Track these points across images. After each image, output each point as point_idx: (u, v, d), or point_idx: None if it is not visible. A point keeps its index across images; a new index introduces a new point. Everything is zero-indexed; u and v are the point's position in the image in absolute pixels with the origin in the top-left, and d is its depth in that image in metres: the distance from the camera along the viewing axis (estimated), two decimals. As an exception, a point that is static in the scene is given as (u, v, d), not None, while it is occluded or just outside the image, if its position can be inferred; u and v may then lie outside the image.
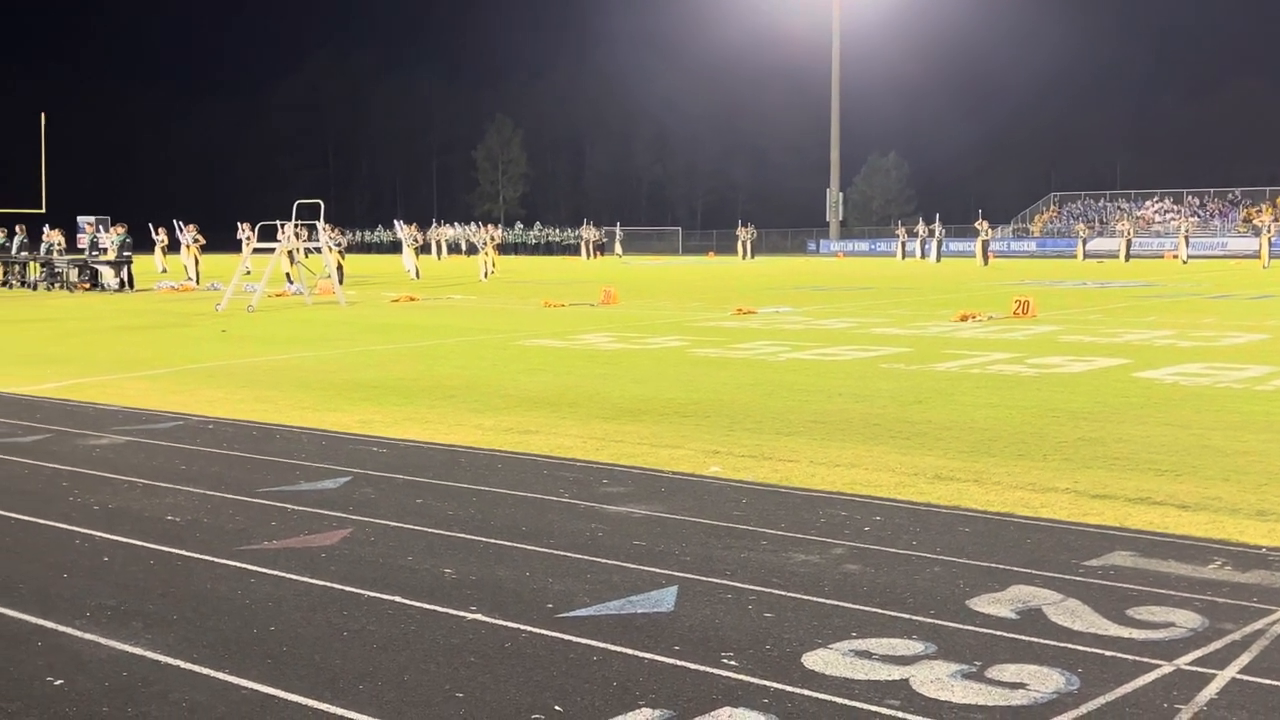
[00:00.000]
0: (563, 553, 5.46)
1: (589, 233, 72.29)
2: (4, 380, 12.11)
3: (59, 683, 3.92)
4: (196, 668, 4.03)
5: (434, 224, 73.76)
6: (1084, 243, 63.53)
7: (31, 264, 34.25)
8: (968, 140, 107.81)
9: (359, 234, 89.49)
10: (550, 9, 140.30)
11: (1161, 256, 62.08)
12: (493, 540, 5.68)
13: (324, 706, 3.70)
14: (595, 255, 69.88)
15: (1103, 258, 60.28)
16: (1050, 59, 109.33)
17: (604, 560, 5.33)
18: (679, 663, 4.06)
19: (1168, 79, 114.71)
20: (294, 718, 3.63)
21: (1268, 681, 3.89)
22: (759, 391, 11.03)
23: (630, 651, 4.17)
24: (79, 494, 6.75)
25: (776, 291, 29.78)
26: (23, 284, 33.88)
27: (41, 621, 4.52)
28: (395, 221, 52.70)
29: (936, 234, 60.72)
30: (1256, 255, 51.12)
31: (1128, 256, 56.89)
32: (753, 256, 68.19)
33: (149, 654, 4.17)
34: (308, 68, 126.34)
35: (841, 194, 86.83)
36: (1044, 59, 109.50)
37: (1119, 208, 79.99)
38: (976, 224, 55.62)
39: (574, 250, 74.97)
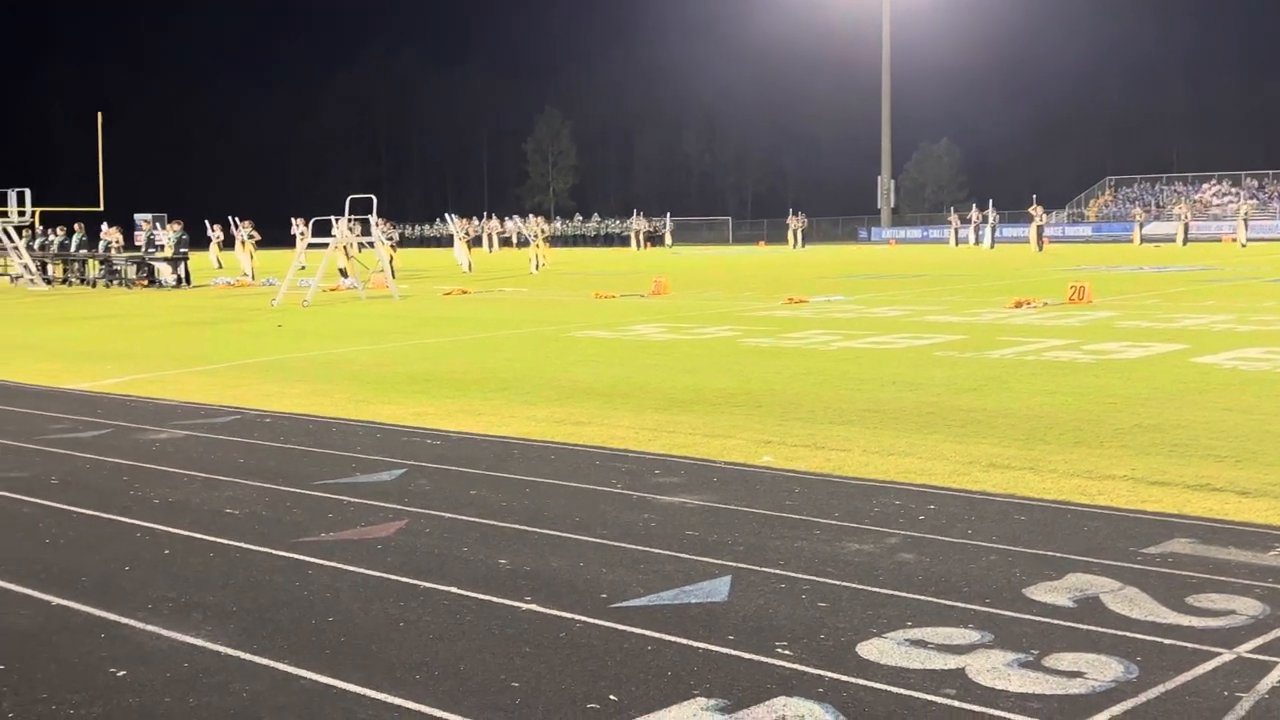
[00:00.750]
0: (616, 543, 5.47)
1: (639, 223, 72.30)
2: (66, 376, 12.29)
3: (121, 674, 3.97)
4: (256, 658, 4.08)
5: (485, 217, 74.12)
6: (1140, 227, 62.82)
7: (90, 261, 34.66)
8: (1021, 124, 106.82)
9: (411, 228, 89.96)
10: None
11: (1220, 240, 61.27)
12: (546, 531, 5.70)
13: (381, 696, 3.73)
14: (646, 246, 69.89)
15: (1160, 242, 59.62)
16: (1104, 40, 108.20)
17: (657, 550, 5.34)
18: (733, 652, 4.06)
19: (1225, 59, 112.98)
20: (352, 707, 3.66)
21: (1331, 669, 3.84)
22: (811, 381, 11.00)
23: (684, 641, 4.17)
24: (140, 488, 6.83)
25: (828, 280, 29.66)
26: (82, 281, 34.32)
27: (104, 614, 4.58)
28: (446, 215, 52.97)
29: (990, 220, 60.31)
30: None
31: (1185, 240, 56.24)
32: (804, 245, 67.95)
33: (209, 645, 4.21)
34: (358, 64, 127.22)
35: (893, 181, 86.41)
36: (1097, 40, 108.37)
37: (1176, 191, 79.03)
38: (1031, 209, 55.08)
39: (624, 241, 75.00)
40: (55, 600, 4.75)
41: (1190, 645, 4.06)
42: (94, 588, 4.91)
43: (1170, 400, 9.39)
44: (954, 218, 67.27)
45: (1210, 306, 18.78)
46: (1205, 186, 79.56)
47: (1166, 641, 4.10)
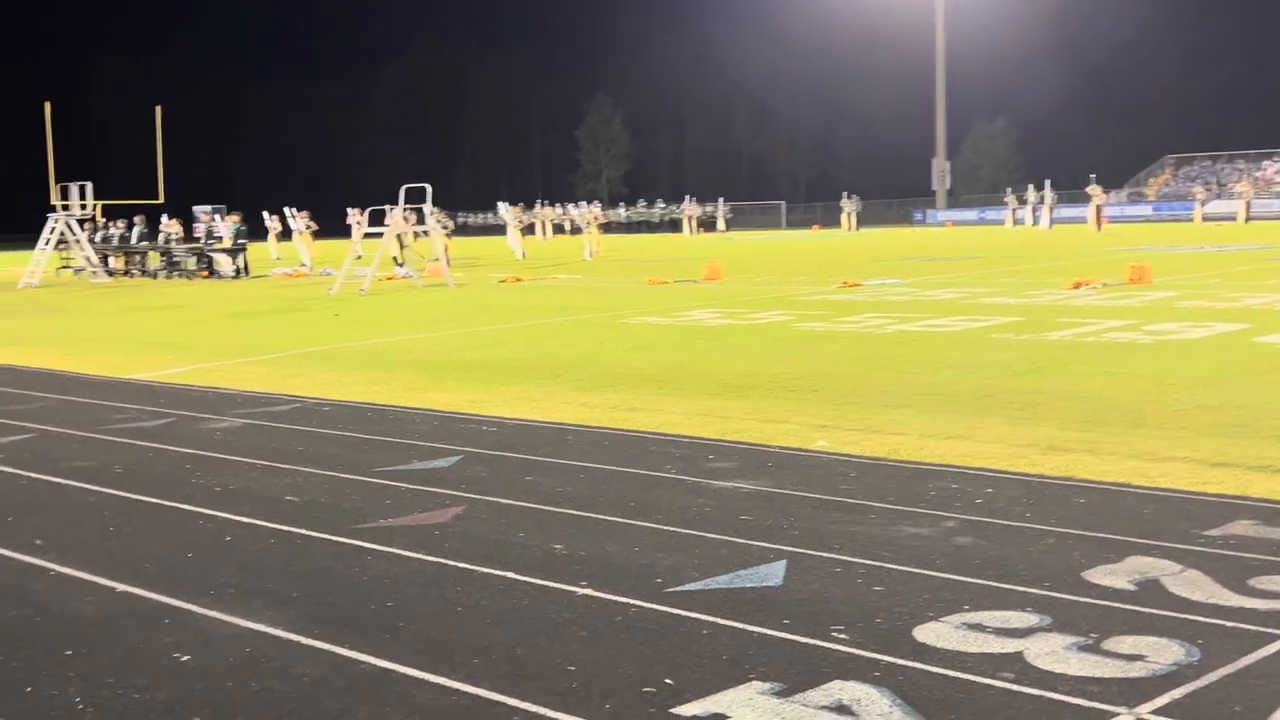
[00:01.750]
0: (670, 528, 5.48)
1: (692, 209, 72.17)
2: (128, 366, 12.46)
3: (186, 659, 4.02)
4: (317, 643, 4.12)
5: (538, 204, 74.21)
6: (1201, 205, 61.93)
7: (151, 253, 35.06)
8: (1078, 102, 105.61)
9: (465, 217, 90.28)
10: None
11: (1283, 218, 60.25)
12: (601, 516, 5.72)
13: (440, 680, 3.76)
14: (697, 232, 69.77)
15: (1221, 220, 58.71)
16: (1161, 15, 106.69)
17: (712, 535, 5.34)
18: (789, 636, 4.06)
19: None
20: (411, 691, 3.69)
21: (1397, 652, 3.79)
22: (866, 365, 10.96)
23: (739, 625, 4.18)
24: (201, 476, 6.91)
25: (882, 263, 29.49)
26: (143, 273, 34.74)
27: (168, 600, 4.64)
28: (500, 203, 53.15)
29: (1047, 200, 59.65)
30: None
31: (1248, 219, 55.42)
32: (857, 229, 67.59)
33: (271, 630, 4.26)
34: (410, 54, 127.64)
35: (948, 162, 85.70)
36: (1155, 16, 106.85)
37: (1237, 169, 77.77)
38: (1089, 189, 54.47)
39: (677, 227, 74.90)
40: (120, 586, 4.83)
41: (1253, 628, 4.01)
42: (157, 574, 4.98)
43: (1232, 381, 9.27)
44: (1011, 199, 66.62)
45: (1273, 285, 18.50)
46: (1267, 164, 78.24)
47: (1228, 624, 4.05)
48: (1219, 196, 68.12)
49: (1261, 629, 4.00)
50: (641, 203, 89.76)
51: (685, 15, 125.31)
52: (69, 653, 4.11)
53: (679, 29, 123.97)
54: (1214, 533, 5.14)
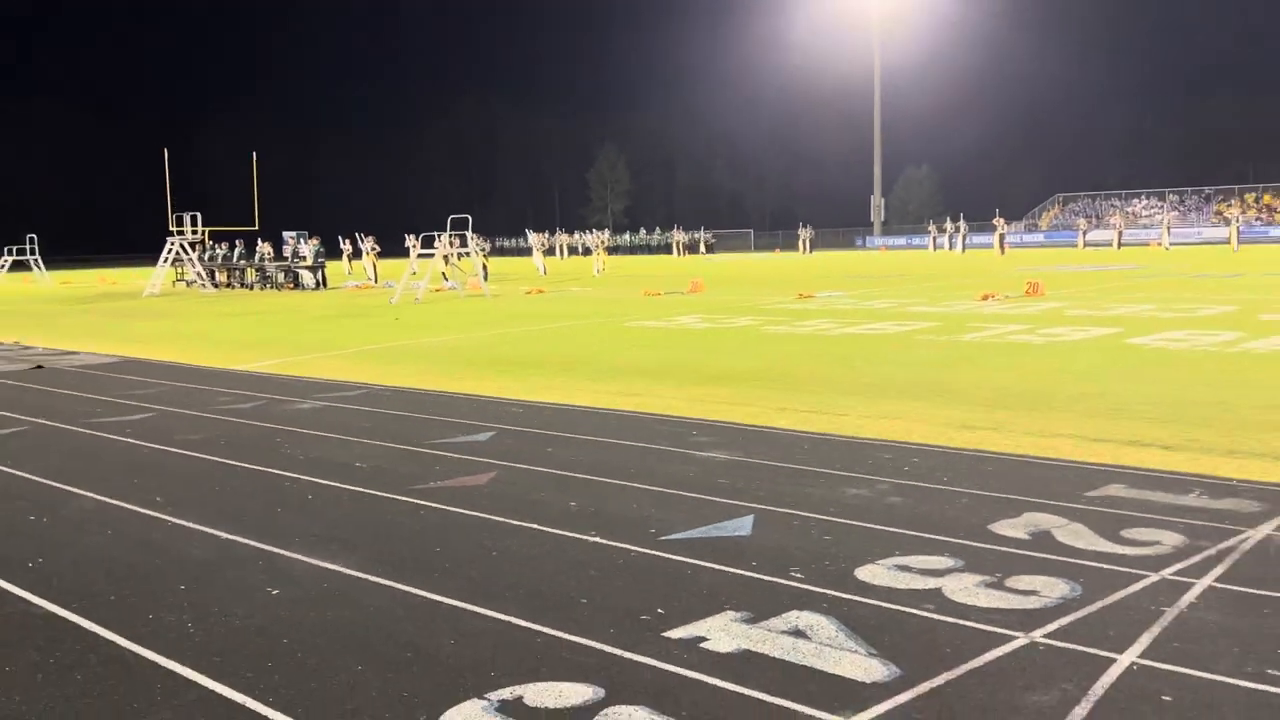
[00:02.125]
0: (662, 489, 5.48)
1: (680, 235, 72.07)
2: (229, 359, 12.46)
3: (275, 592, 4.03)
4: (380, 580, 4.13)
5: (557, 231, 74.09)
6: (1084, 234, 61.91)
7: (248, 269, 35.07)
8: (986, 151, 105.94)
9: (499, 241, 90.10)
10: (647, 56, 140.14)
11: (1148, 245, 60.20)
12: (607, 479, 5.73)
13: (478, 609, 3.77)
14: (684, 253, 69.67)
15: (1099, 246, 58.68)
16: (1052, 79, 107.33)
17: (695, 495, 5.35)
18: (756, 575, 4.07)
19: (1152, 95, 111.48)
20: (456, 618, 3.70)
21: (1237, 588, 3.80)
22: (817, 360, 10.96)
23: (717, 566, 4.19)
24: (289, 447, 6.92)
25: (831, 279, 29.49)
26: (241, 285, 34.71)
27: (262, 545, 4.65)
28: (526, 230, 53.10)
29: (961, 230, 59.65)
30: (1227, 241, 49.48)
31: (1120, 245, 55.39)
32: (811, 251, 67.46)
33: (343, 570, 4.27)
34: (455, 110, 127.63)
35: (883, 199, 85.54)
36: (1047, 80, 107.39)
37: (1112, 205, 77.73)
38: (994, 220, 54.44)
39: (668, 250, 74.78)
40: (223, 535, 4.83)
41: (1124, 569, 4.03)
42: (253, 525, 4.99)
43: (1108, 374, 9.28)
44: (932, 228, 66.52)
45: (1140, 298, 18.51)
46: (1136, 201, 78.21)
47: (1105, 566, 4.07)
48: (1097, 227, 68.07)
49: (1130, 570, 4.02)
50: (641, 230, 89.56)
51: (675, 81, 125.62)
52: (182, 587, 4.12)
53: (670, 92, 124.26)
54: (1093, 494, 5.15)
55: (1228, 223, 55.85)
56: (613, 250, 62.71)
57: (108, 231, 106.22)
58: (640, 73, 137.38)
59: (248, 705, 3.06)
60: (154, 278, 33.45)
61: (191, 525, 5.01)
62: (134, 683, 3.23)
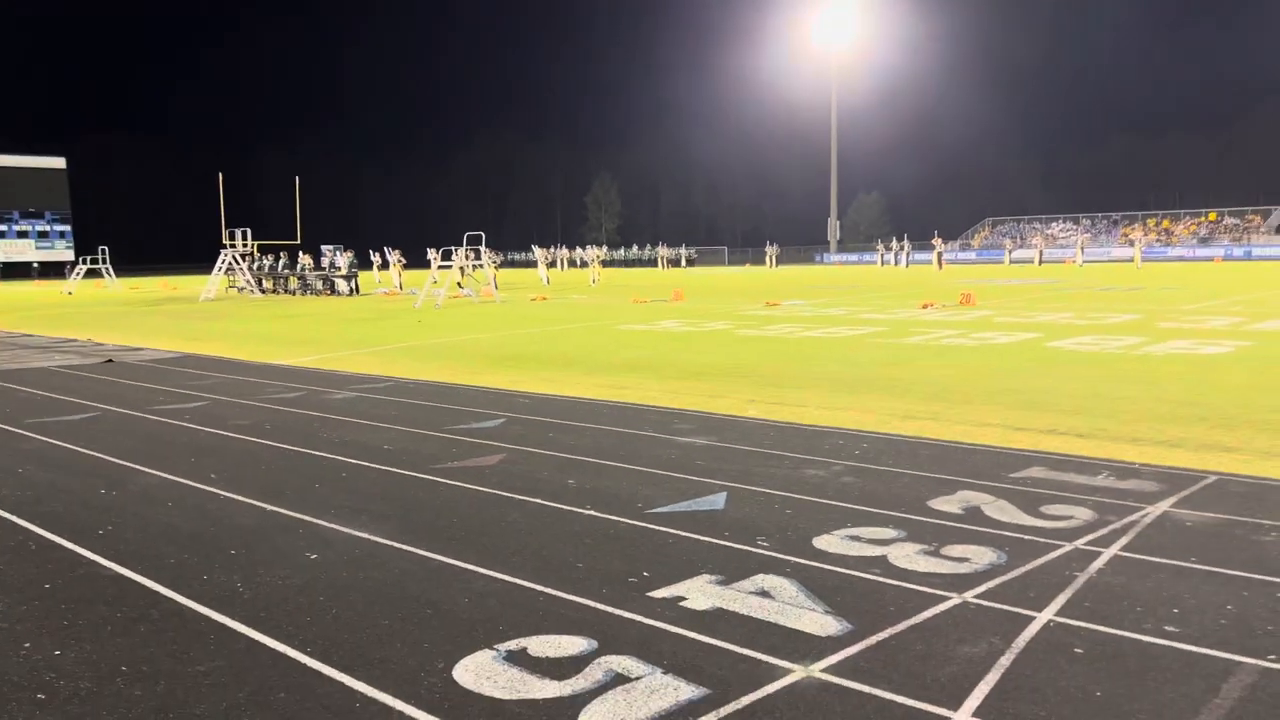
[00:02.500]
0: (648, 469, 5.48)
1: (664, 251, 71.99)
2: (275, 355, 12.40)
3: (314, 556, 4.02)
4: (405, 546, 4.12)
5: (559, 247, 73.87)
6: (1009, 252, 62.11)
7: (291, 278, 34.92)
8: (927, 180, 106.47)
9: (509, 254, 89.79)
10: (636, 96, 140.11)
11: (1065, 262, 60.43)
12: (600, 461, 5.72)
13: (489, 572, 3.76)
14: (668, 267, 69.61)
15: (1023, 263, 58.86)
16: (985, 122, 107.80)
17: (676, 474, 5.34)
18: (728, 544, 4.07)
19: (1068, 135, 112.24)
20: (469, 579, 3.69)
21: (1139, 556, 3.82)
22: (782, 358, 10.97)
23: (695, 536, 4.18)
24: (325, 431, 6.90)
25: (794, 290, 29.51)
26: (285, 291, 34.55)
27: (302, 516, 4.63)
28: (532, 245, 52.93)
29: (905, 248, 59.72)
30: (1132, 260, 49.73)
31: (1040, 262, 55.56)
32: (777, 266, 67.48)
33: (373, 537, 4.26)
34: (473, 141, 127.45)
35: (839, 221, 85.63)
36: (981, 122, 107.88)
37: (1034, 227, 77.97)
38: (933, 240, 54.52)
39: (654, 264, 74.69)
40: (269, 507, 4.81)
41: (1042, 540, 4.04)
42: (295, 498, 4.97)
43: (1030, 372, 9.31)
44: (880, 246, 66.60)
45: (1058, 307, 18.58)
46: (1054, 224, 78.46)
47: (1026, 537, 4.08)
48: (1021, 246, 68.27)
49: (1048, 540, 4.03)
50: (634, 247, 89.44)
51: (662, 118, 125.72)
52: (233, 552, 4.09)
53: (657, 128, 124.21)
54: (1017, 475, 5.17)
55: (1132, 244, 56.08)
56: (607, 264, 62.56)
57: (170, 244, 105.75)
58: (630, 111, 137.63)
59: (289, 654, 3.04)
60: (209, 284, 33.25)
61: (241, 498, 4.99)
62: (190, 634, 3.22)
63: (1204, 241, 65.19)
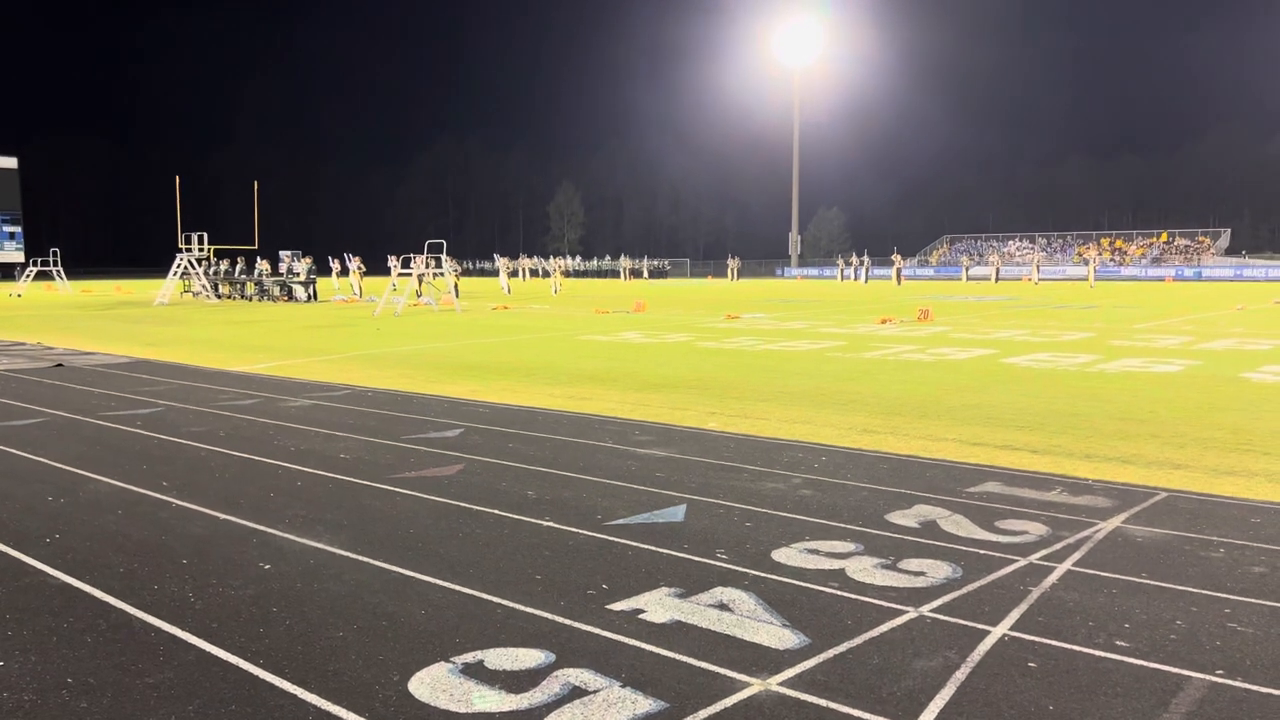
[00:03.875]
0: (607, 480, 5.47)
1: (626, 263, 72.07)
2: (230, 361, 12.22)
3: (267, 567, 3.96)
4: (361, 557, 4.07)
5: (521, 256, 73.66)
6: (967, 270, 62.98)
7: (248, 283, 34.47)
8: (887, 197, 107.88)
9: (470, 263, 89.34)
10: (599, 107, 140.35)
11: (1021, 279, 61.41)
12: (560, 472, 5.70)
13: (446, 584, 3.73)
14: (630, 278, 69.71)
15: (980, 280, 59.73)
16: (942, 137, 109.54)
17: (635, 486, 5.34)
18: (687, 556, 4.07)
19: (1024, 156, 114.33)
20: (426, 591, 3.65)
21: (1092, 571, 3.88)
22: (742, 371, 11.01)
23: (654, 548, 4.18)
24: (281, 439, 6.81)
25: (754, 303, 29.67)
26: (242, 297, 34.08)
27: (256, 525, 4.56)
28: (494, 255, 52.80)
29: (865, 263, 60.33)
30: (1086, 279, 50.70)
31: (997, 279, 56.41)
32: (738, 279, 67.83)
33: (329, 548, 4.21)
34: (434, 147, 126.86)
35: (800, 235, 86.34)
36: (940, 142, 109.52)
37: (991, 245, 79.21)
38: (893, 256, 55.20)
39: (616, 275, 74.75)
40: (222, 515, 4.73)
41: (998, 555, 4.09)
42: (248, 507, 4.89)
43: (986, 388, 9.43)
44: (840, 261, 67.24)
45: (1014, 324, 18.86)
46: (1010, 243, 79.80)
47: (981, 552, 4.13)
48: (979, 263, 69.26)
49: (1003, 555, 4.08)
50: (596, 258, 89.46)
51: (625, 129, 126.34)
52: (184, 561, 4.02)
53: (621, 139, 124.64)
54: (973, 490, 5.23)
55: (1086, 263, 57.20)
56: (568, 274, 62.45)
57: (124, 247, 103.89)
58: (593, 121, 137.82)
59: (241, 666, 2.99)
60: (164, 289, 32.72)
61: (194, 507, 4.90)
62: (139, 646, 3.15)
63: (1155, 261, 66.65)
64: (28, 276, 43.24)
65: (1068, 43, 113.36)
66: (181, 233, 34.17)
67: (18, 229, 76.17)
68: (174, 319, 22.62)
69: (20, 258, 69.42)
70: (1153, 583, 3.75)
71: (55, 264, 43.36)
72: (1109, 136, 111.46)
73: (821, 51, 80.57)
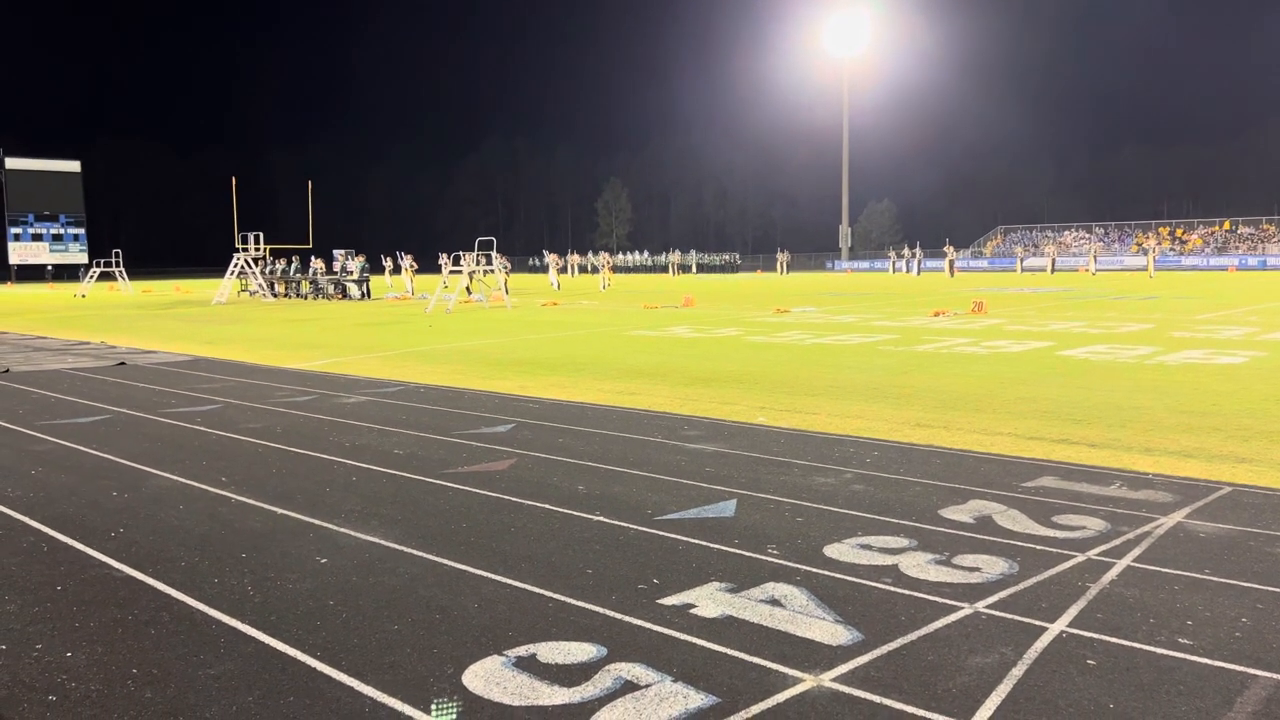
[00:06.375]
0: (657, 475, 5.47)
1: (674, 258, 72.00)
2: (286, 359, 12.44)
3: (324, 560, 4.02)
4: (415, 551, 4.12)
5: (570, 252, 73.94)
6: (1021, 260, 61.90)
7: (303, 282, 35.05)
8: (939, 187, 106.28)
9: (519, 259, 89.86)
10: (647, 104, 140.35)
11: (1077, 270, 60.21)
12: (610, 467, 5.72)
13: (499, 578, 3.76)
14: (679, 273, 69.62)
15: (1035, 271, 58.67)
16: (996, 126, 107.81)
17: (686, 481, 5.34)
18: (738, 551, 4.06)
19: (1080, 143, 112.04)
20: (479, 585, 3.69)
21: (1152, 568, 3.80)
22: (792, 365, 10.95)
23: (704, 543, 4.18)
24: (336, 435, 6.91)
25: (804, 297, 29.47)
26: (297, 295, 34.67)
27: (312, 520, 4.64)
28: (543, 251, 53.08)
29: (917, 255, 59.62)
30: (1145, 268, 49.52)
31: (1053, 270, 55.37)
32: (787, 272, 67.40)
33: (383, 542, 4.26)
34: (484, 148, 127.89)
35: (850, 228, 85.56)
36: (992, 131, 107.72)
37: (1047, 235, 77.75)
38: (945, 248, 54.43)
39: (664, 270, 74.70)
40: (279, 510, 4.82)
41: (1055, 550, 4.02)
42: (305, 502, 4.98)
43: (1042, 381, 9.28)
44: (891, 254, 66.56)
45: (1070, 316, 18.51)
46: (1067, 232, 78.24)
47: (1038, 547, 4.06)
48: (1034, 254, 68.08)
49: (1060, 550, 4.01)
50: (646, 252, 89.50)
51: (672, 125, 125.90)
52: (243, 555, 4.10)
53: (667, 136, 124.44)
54: (1029, 484, 5.14)
55: (1145, 252, 55.89)
56: (616, 269, 62.50)
57: (183, 247, 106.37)
58: (641, 118, 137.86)
59: (299, 658, 3.05)
60: (222, 288, 33.41)
61: (252, 502, 5.00)
62: (200, 637, 3.22)
63: (1218, 250, 64.90)
64: (91, 277, 44.41)
65: (1126, 26, 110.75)
66: (238, 233, 34.89)
67: (81, 231, 78.43)
68: (231, 317, 23.10)
69: (84, 259, 71.46)
70: (1216, 579, 3.65)
71: (117, 265, 44.51)
72: (1166, 124, 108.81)
73: (870, 42, 79.65)
